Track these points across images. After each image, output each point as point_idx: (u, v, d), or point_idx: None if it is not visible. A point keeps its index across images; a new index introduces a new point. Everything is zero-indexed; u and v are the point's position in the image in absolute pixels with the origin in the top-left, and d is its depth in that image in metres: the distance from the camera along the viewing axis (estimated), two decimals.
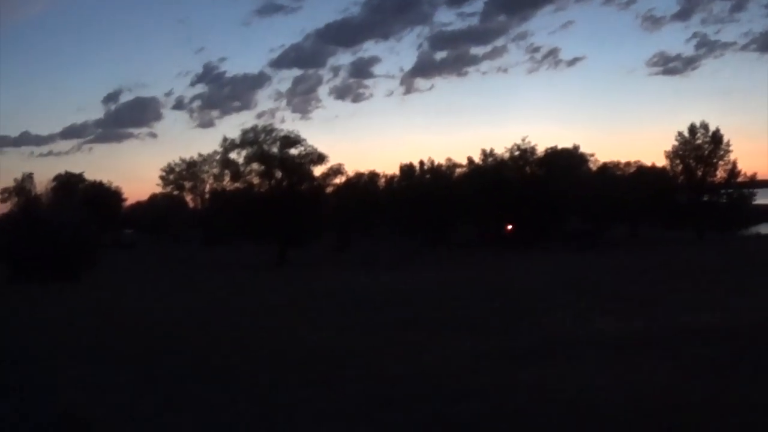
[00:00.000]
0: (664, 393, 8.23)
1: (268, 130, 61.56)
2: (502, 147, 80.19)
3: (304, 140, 61.32)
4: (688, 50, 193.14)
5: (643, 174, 77.49)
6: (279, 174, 61.47)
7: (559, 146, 77.11)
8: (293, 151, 61.48)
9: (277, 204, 57.53)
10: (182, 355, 11.96)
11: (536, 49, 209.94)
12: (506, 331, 13.88)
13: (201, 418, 7.71)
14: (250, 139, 60.82)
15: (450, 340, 12.87)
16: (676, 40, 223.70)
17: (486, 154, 77.39)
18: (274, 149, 61.06)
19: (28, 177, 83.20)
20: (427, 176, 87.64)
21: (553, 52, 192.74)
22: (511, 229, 71.18)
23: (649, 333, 13.13)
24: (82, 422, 7.43)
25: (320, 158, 61.61)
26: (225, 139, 61.47)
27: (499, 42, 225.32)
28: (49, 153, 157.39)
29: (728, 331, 12.70)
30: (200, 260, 55.11)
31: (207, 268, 46.21)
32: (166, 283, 33.39)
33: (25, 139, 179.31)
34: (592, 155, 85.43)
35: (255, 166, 61.12)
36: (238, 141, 60.95)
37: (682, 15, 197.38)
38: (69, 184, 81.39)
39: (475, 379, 9.45)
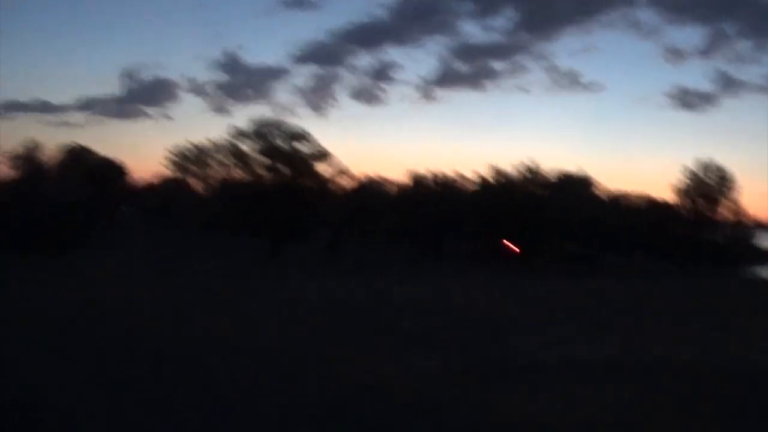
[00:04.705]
0: (619, 423, 8.38)
1: (278, 124, 61.77)
2: (509, 163, 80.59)
3: (312, 137, 61.48)
4: (707, 86, 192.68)
5: (648, 206, 77.69)
6: (283, 168, 61.62)
7: (567, 168, 77.59)
8: (300, 148, 61.66)
9: (277, 198, 57.69)
10: (164, 346, 12.08)
11: (556, 70, 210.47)
12: (476, 351, 14.00)
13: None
14: (259, 131, 61.03)
15: (418, 356, 13.02)
16: (697, 74, 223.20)
17: (495, 171, 77.60)
18: (282, 143, 61.23)
19: (36, 145, 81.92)
20: (436, 187, 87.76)
21: (572, 74, 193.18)
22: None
23: (619, 362, 13.26)
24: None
25: (326, 157, 61.78)
26: (234, 129, 61.68)
27: (519, 59, 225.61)
28: (60, 123, 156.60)
29: (698, 367, 12.83)
30: (194, 248, 55.08)
31: (199, 258, 46.23)
32: (154, 270, 33.33)
33: (36, 106, 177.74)
34: (599, 182, 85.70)
35: (261, 158, 61.31)
36: (246, 131, 61.17)
37: (706, 51, 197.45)
38: (76, 157, 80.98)
39: (435, 396, 9.60)
